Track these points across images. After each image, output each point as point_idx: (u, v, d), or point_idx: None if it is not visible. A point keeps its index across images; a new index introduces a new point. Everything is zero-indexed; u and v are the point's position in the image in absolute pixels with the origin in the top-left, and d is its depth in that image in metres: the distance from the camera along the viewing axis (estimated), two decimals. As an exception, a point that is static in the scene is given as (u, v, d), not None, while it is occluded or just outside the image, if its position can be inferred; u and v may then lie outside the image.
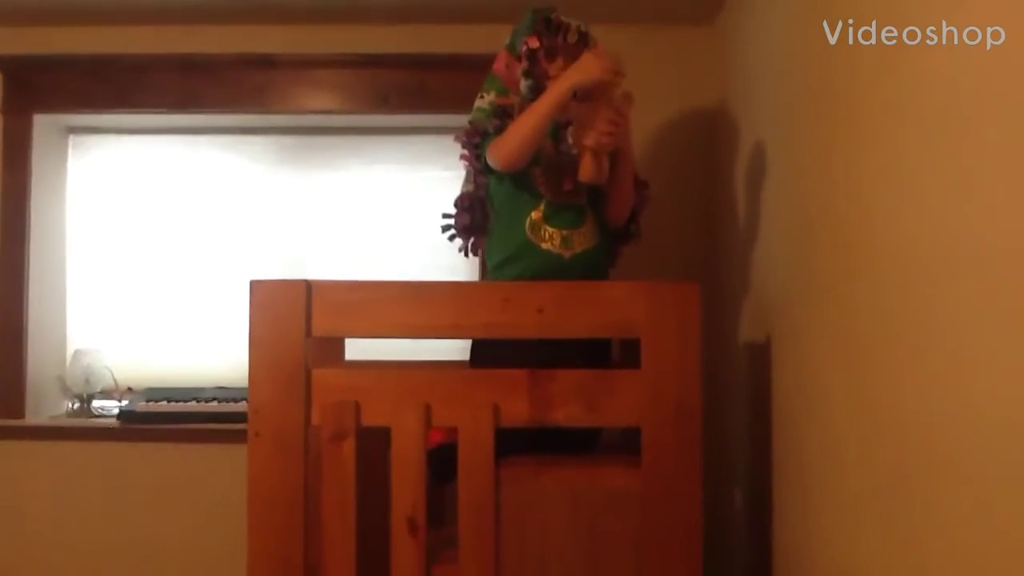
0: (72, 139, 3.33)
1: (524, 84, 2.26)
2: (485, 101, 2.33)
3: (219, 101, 3.14)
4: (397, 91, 3.13)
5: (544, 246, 2.21)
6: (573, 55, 2.18)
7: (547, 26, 2.25)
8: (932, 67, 1.35)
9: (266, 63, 3.12)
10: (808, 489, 1.94)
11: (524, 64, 2.26)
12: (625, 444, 2.20)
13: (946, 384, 1.30)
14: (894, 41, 1.49)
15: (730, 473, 2.69)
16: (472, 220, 2.35)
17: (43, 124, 3.19)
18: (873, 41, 1.58)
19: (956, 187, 1.27)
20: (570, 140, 2.17)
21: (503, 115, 2.27)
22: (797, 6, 2.08)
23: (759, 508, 2.33)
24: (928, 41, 1.36)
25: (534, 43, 2.24)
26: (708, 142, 3.03)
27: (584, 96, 2.11)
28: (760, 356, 2.33)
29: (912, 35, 1.42)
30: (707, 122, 3.03)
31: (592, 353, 2.07)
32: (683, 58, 3.08)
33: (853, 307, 1.68)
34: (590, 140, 2.09)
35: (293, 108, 3.16)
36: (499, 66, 2.34)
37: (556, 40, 2.23)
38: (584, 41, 2.23)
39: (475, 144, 2.30)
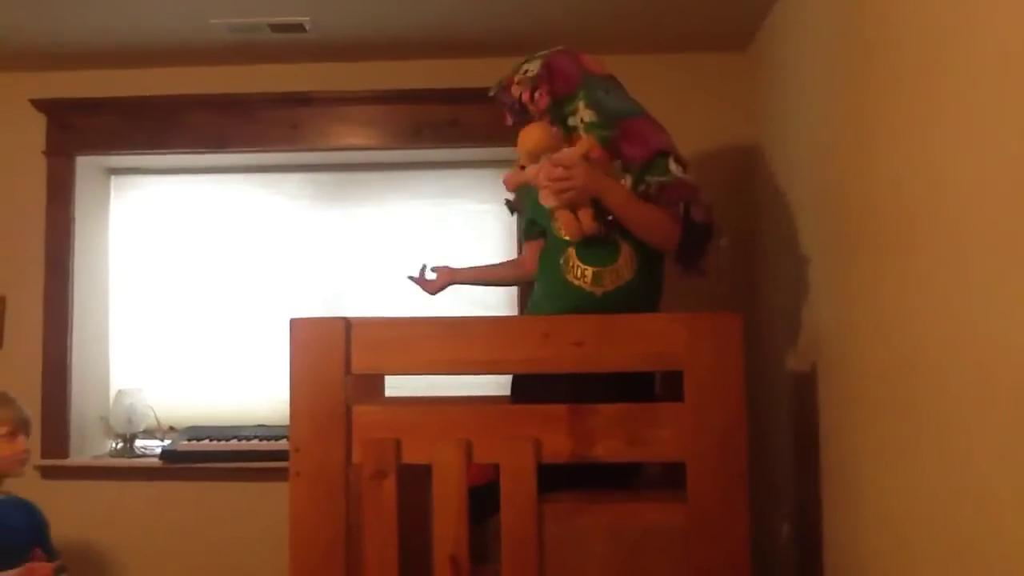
0: (113, 180, 3.39)
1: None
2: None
3: (254, 140, 3.19)
4: (430, 126, 3.15)
5: (576, 283, 2.19)
6: (533, 99, 2.23)
7: (505, 92, 2.31)
8: (973, 79, 1.33)
9: (300, 101, 3.16)
10: (859, 518, 1.90)
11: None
12: (667, 478, 2.17)
13: (997, 408, 1.26)
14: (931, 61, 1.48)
15: (776, 504, 2.64)
16: None
17: (85, 165, 3.25)
18: (909, 65, 1.56)
19: (1004, 206, 1.24)
20: (543, 203, 2.18)
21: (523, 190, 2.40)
22: (831, 31, 2.07)
23: (807, 539, 2.28)
24: (966, 58, 1.34)
25: (508, 121, 2.35)
26: (744, 169, 3.00)
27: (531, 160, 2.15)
28: (805, 385, 2.29)
29: (949, 51, 1.40)
30: (742, 149, 3.01)
31: (634, 387, 2.04)
32: (716, 85, 3.08)
33: (899, 332, 1.65)
34: (545, 201, 2.12)
35: (327, 145, 3.20)
36: None
37: (510, 100, 2.30)
38: (529, 84, 2.24)
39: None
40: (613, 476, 2.05)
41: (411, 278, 2.58)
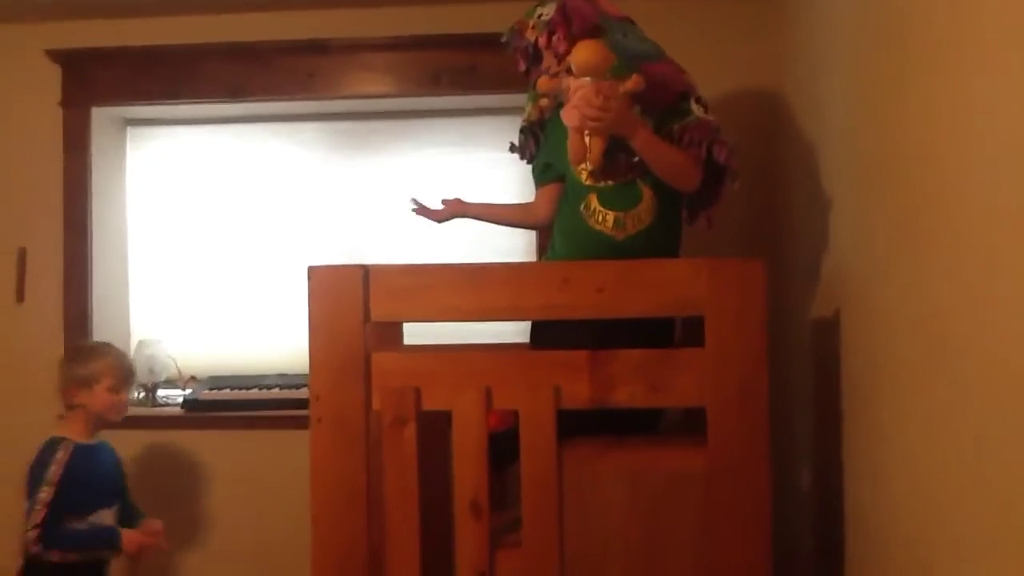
0: (130, 131, 3.38)
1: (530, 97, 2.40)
2: (524, 115, 2.45)
3: (270, 88, 3.16)
4: (448, 72, 3.11)
5: (597, 228, 2.17)
6: (551, 43, 2.20)
7: (517, 34, 2.30)
8: (1013, 18, 1.28)
9: (316, 48, 3.12)
10: (880, 465, 1.88)
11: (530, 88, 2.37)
12: (688, 424, 2.16)
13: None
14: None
15: (795, 450, 2.64)
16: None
17: (101, 116, 3.24)
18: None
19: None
20: (563, 119, 2.13)
21: (528, 134, 2.44)
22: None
23: (828, 487, 2.27)
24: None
25: (521, 66, 2.33)
26: (768, 115, 2.95)
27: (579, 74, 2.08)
28: (828, 331, 2.26)
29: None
30: (767, 95, 2.95)
31: (654, 333, 2.02)
32: (741, 30, 3.01)
33: (925, 275, 1.62)
34: (566, 117, 2.09)
35: (344, 93, 3.16)
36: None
37: (525, 44, 2.28)
38: (545, 28, 2.21)
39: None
40: (636, 422, 2.04)
41: (416, 206, 2.56)
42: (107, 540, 2.49)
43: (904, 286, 1.74)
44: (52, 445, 2.52)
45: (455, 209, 2.54)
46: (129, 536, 2.51)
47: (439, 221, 2.56)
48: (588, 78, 2.03)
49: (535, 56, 2.27)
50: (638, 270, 1.92)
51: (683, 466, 1.91)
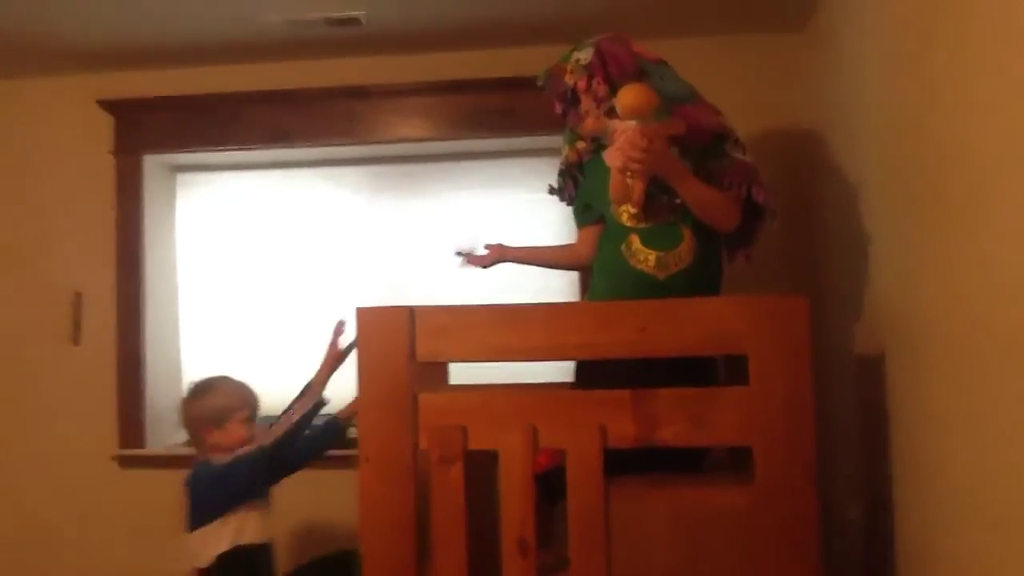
0: (179, 177, 3.47)
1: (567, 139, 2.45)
2: (562, 158, 2.49)
3: (312, 134, 3.24)
4: (485, 115, 3.16)
5: (639, 267, 2.19)
6: (590, 87, 2.24)
7: (553, 77, 2.33)
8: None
9: (356, 94, 3.20)
10: (930, 501, 1.87)
11: (567, 131, 2.44)
12: (733, 462, 2.17)
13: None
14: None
15: (844, 487, 2.62)
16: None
17: (151, 163, 3.34)
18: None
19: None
20: (606, 160, 2.15)
21: (567, 177, 2.49)
22: (892, 5, 2.03)
23: (876, 522, 2.26)
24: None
25: (557, 109, 2.36)
26: (803, 150, 2.96)
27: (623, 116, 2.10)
28: (872, 366, 2.26)
29: (1018, 16, 1.37)
30: (801, 130, 2.97)
31: (698, 372, 2.04)
32: (773, 67, 3.04)
33: (968, 310, 1.62)
34: (609, 159, 2.11)
35: (384, 137, 3.23)
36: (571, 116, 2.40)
37: (562, 87, 2.31)
38: (584, 72, 2.25)
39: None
40: (682, 460, 2.05)
41: (462, 257, 2.61)
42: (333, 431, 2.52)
43: (948, 320, 1.74)
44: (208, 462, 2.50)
45: (498, 255, 2.59)
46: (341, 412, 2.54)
47: (484, 267, 2.60)
48: (634, 121, 2.06)
49: (572, 99, 2.31)
50: (679, 308, 1.94)
51: (728, 503, 1.91)
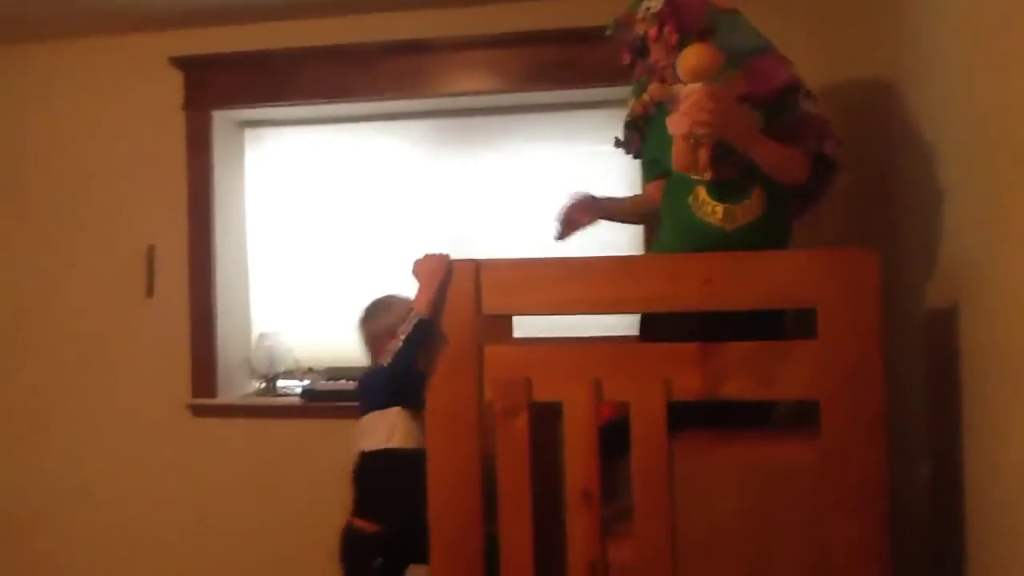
0: (247, 132, 3.52)
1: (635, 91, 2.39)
2: (628, 110, 2.44)
3: (374, 89, 3.25)
4: (549, 67, 3.13)
5: (707, 219, 2.16)
6: (661, 36, 2.17)
7: (624, 27, 2.27)
8: None
9: (418, 48, 3.19)
10: (1000, 460, 1.84)
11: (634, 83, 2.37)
12: (800, 416, 2.14)
13: None
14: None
15: (912, 444, 2.58)
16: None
17: (220, 119, 3.39)
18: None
19: None
20: (670, 127, 2.06)
21: (633, 129, 2.47)
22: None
23: (946, 480, 2.22)
24: None
25: (625, 59, 2.30)
26: (879, 103, 2.86)
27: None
28: (945, 321, 2.21)
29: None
30: (877, 83, 2.86)
31: (764, 325, 2.01)
32: (851, 18, 2.94)
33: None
34: (673, 126, 2.01)
35: (447, 91, 3.23)
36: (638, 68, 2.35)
37: (632, 38, 2.24)
38: (655, 21, 2.18)
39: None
40: (748, 414, 2.04)
41: (559, 231, 2.50)
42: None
43: (1021, 275, 1.69)
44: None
45: (591, 210, 2.49)
46: None
47: (583, 227, 2.51)
48: (698, 84, 1.97)
49: (642, 49, 2.27)
50: (747, 262, 1.91)
51: (794, 458, 1.90)
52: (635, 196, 2.65)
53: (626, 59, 2.32)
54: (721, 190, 2.14)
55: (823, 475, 1.84)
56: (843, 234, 2.72)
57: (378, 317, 2.53)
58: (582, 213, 2.47)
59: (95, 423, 3.39)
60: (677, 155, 2.04)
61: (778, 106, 2.15)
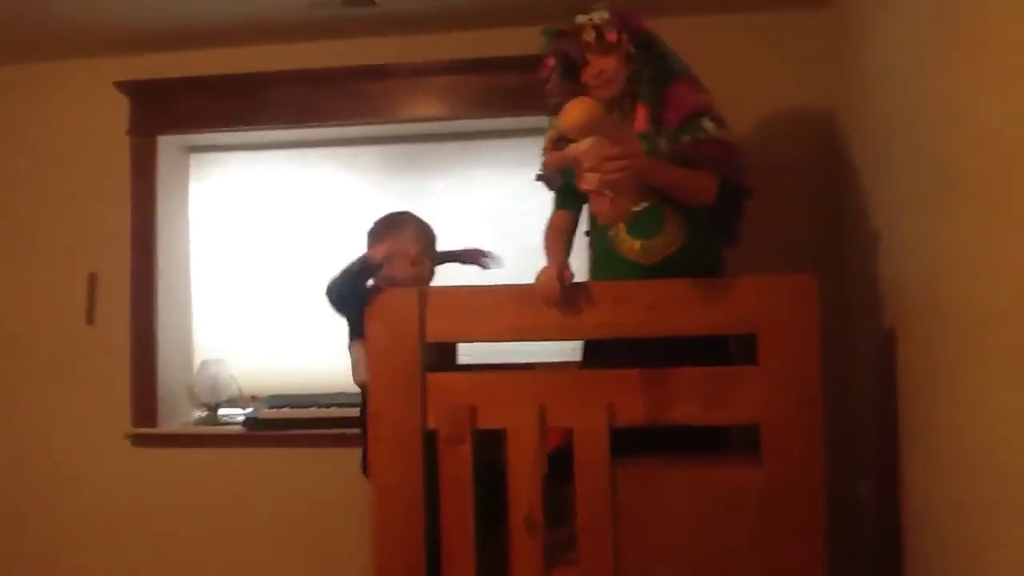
0: (192, 157, 3.48)
1: (551, 104, 2.23)
2: (544, 141, 2.31)
3: (330, 114, 3.24)
4: (503, 94, 3.14)
5: (627, 255, 2.14)
6: (602, 48, 2.12)
7: (564, 37, 2.18)
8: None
9: (371, 74, 3.19)
10: (940, 476, 1.86)
11: (548, 88, 2.24)
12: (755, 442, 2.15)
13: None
14: None
15: (857, 464, 2.61)
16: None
17: (166, 144, 3.35)
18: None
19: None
20: (581, 187, 2.00)
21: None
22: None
23: (887, 498, 2.25)
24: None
25: (548, 64, 2.21)
26: (828, 129, 2.92)
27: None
28: (888, 348, 2.24)
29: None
30: (826, 109, 2.92)
31: (708, 350, 2.02)
32: (799, 42, 2.99)
33: (983, 286, 1.61)
34: (586, 185, 1.94)
35: (402, 116, 3.23)
36: None
37: (573, 48, 2.16)
38: (601, 35, 2.12)
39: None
40: (703, 442, 2.03)
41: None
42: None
43: (960, 301, 1.73)
44: None
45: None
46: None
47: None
48: (588, 139, 1.92)
49: (567, 67, 2.19)
50: (689, 288, 1.93)
51: (738, 483, 1.91)
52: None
53: (549, 65, 2.23)
54: (638, 226, 2.11)
55: (765, 499, 1.85)
56: (790, 259, 2.75)
57: (379, 237, 2.38)
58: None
59: (31, 454, 3.29)
60: (600, 211, 1.99)
61: (681, 129, 2.12)
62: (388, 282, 2.24)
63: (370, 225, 2.43)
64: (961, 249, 1.74)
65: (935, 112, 1.91)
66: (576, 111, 1.93)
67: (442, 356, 2.25)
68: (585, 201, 2.25)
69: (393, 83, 3.19)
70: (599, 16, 2.15)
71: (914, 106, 2.08)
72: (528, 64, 3.03)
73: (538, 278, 2.05)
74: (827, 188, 2.91)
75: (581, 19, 2.17)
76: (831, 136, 2.92)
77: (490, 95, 3.15)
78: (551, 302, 1.99)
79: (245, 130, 3.29)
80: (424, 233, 2.38)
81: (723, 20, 2.95)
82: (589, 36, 2.13)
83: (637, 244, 2.12)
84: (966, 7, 1.69)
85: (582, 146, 1.92)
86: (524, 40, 3.07)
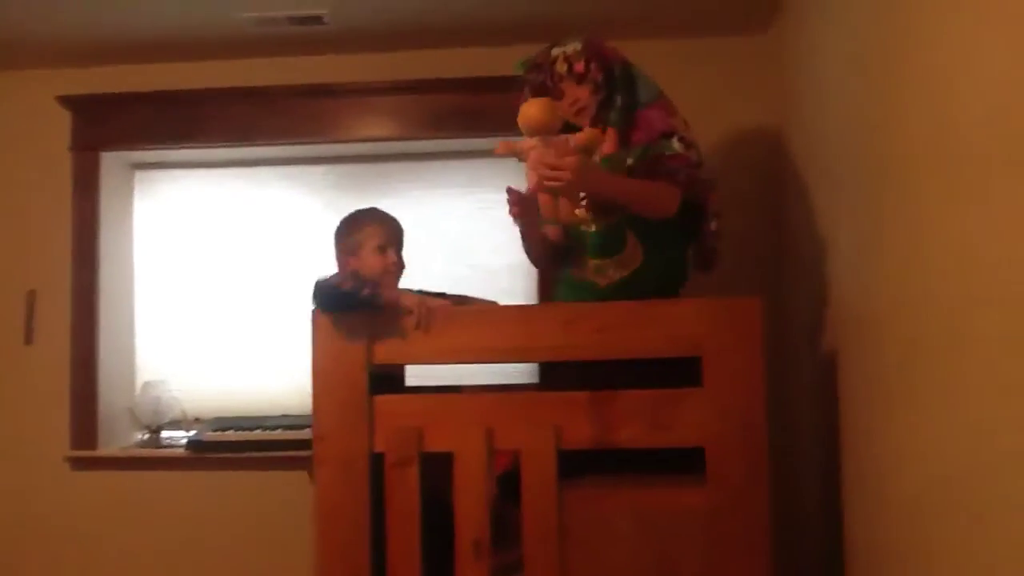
0: (137, 174, 3.42)
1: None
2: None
3: (276, 133, 3.21)
4: (452, 115, 3.15)
5: (580, 276, 2.16)
6: (575, 78, 2.16)
7: (538, 69, 2.22)
8: (996, 70, 1.31)
9: (321, 93, 3.17)
10: (879, 495, 1.89)
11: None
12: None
13: (1011, 378, 1.26)
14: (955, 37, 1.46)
15: (801, 485, 2.64)
16: None
17: (109, 160, 3.29)
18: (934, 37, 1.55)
19: (1008, 193, 1.23)
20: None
21: None
22: (857, 5, 2.04)
23: (830, 517, 2.28)
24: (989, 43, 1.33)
25: (524, 95, 2.22)
26: (770, 152, 2.98)
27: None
28: (829, 367, 2.28)
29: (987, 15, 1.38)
30: (767, 132, 2.98)
31: (668, 371, 1.98)
32: (739, 69, 3.05)
33: (916, 313, 1.64)
34: (528, 181, 2.00)
35: (350, 136, 3.21)
36: None
37: (547, 79, 2.19)
38: (580, 57, 2.16)
39: None
40: (672, 462, 2.00)
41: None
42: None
43: (898, 321, 1.76)
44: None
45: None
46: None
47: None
48: (538, 138, 1.99)
49: (546, 91, 2.20)
50: (637, 311, 1.94)
51: (685, 504, 1.92)
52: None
53: (524, 96, 2.24)
54: (595, 245, 2.14)
55: (711, 520, 1.86)
56: (740, 281, 2.77)
57: (344, 233, 2.37)
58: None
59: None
60: (542, 206, 2.02)
61: (649, 147, 2.15)
62: (354, 276, 2.20)
63: (337, 226, 2.41)
64: (894, 269, 1.77)
65: (869, 132, 1.95)
66: (531, 110, 2.01)
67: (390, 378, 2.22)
68: None
69: (341, 102, 3.18)
70: (571, 47, 2.19)
71: (849, 126, 2.13)
72: (475, 85, 3.08)
73: None
74: (770, 211, 2.96)
75: (556, 51, 2.21)
76: (773, 159, 2.97)
77: (439, 116, 3.16)
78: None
79: (190, 147, 3.25)
80: (387, 227, 2.36)
81: (664, 45, 2.99)
82: (561, 68, 2.19)
83: (593, 264, 2.15)
84: (900, 32, 1.74)
85: (526, 143, 2.01)
86: (474, 61, 3.11)
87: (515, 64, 2.31)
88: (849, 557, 2.13)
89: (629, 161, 2.13)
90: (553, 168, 1.93)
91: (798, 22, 2.64)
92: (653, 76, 2.30)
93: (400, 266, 2.34)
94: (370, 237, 2.31)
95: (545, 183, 1.95)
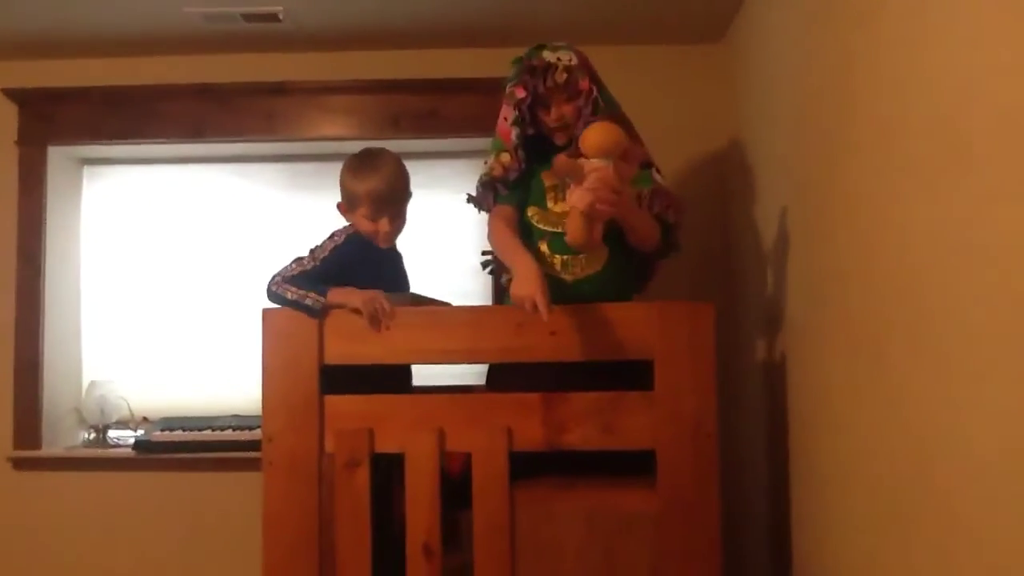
0: (86, 170, 3.36)
1: (514, 133, 2.20)
2: (486, 167, 2.29)
3: (229, 130, 3.17)
4: (408, 116, 3.14)
5: (550, 272, 2.16)
6: (567, 93, 2.14)
7: (532, 72, 2.17)
8: (955, 59, 1.33)
9: (275, 90, 3.14)
10: (825, 500, 1.92)
11: (514, 113, 2.20)
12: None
13: (952, 385, 1.29)
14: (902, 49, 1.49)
15: (750, 489, 2.67)
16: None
17: (57, 155, 3.22)
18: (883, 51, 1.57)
19: (952, 200, 1.26)
20: (567, 200, 1.96)
21: (495, 187, 2.27)
22: (806, 17, 2.07)
23: (778, 523, 2.30)
24: (934, 52, 1.35)
25: (520, 93, 2.18)
26: (720, 161, 3.01)
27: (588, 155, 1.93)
28: (775, 373, 2.31)
29: (929, 29, 1.41)
30: (718, 141, 3.02)
31: (623, 374, 1.99)
32: (691, 77, 3.08)
33: (860, 324, 1.67)
34: (575, 200, 1.89)
35: (304, 135, 3.18)
36: (499, 123, 2.27)
37: (544, 86, 2.15)
38: (572, 79, 2.14)
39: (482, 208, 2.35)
40: (630, 465, 2.01)
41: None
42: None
43: (841, 333, 1.79)
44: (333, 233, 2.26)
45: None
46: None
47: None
48: (604, 161, 1.89)
49: (532, 103, 2.19)
50: (589, 314, 1.94)
51: (636, 507, 1.92)
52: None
53: (520, 95, 2.20)
54: (561, 243, 2.12)
55: (661, 523, 1.87)
56: (689, 289, 2.80)
57: (349, 179, 2.25)
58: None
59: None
60: (572, 230, 1.92)
61: (636, 179, 2.12)
62: (352, 234, 2.20)
63: (349, 161, 2.30)
64: (841, 274, 1.80)
65: (817, 138, 1.98)
66: (603, 132, 1.91)
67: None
68: (526, 202, 2.24)
69: (295, 100, 3.15)
70: (567, 57, 2.16)
71: (797, 134, 2.16)
72: (435, 87, 3.07)
73: (515, 282, 1.95)
74: (719, 218, 2.99)
75: (550, 57, 2.16)
76: (723, 168, 3.00)
77: (396, 117, 3.14)
78: (540, 304, 1.85)
79: (139, 143, 3.20)
80: (384, 190, 2.19)
81: (614, 52, 2.98)
82: (560, 78, 2.14)
83: (558, 260, 2.16)
84: (849, 45, 1.76)
85: (594, 164, 1.89)
86: (430, 63, 3.10)
87: (513, 61, 2.24)
88: (797, 564, 2.16)
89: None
90: (615, 191, 1.86)
91: (749, 32, 2.68)
92: (606, 82, 2.30)
93: (394, 231, 2.23)
94: (364, 201, 2.19)
95: (599, 206, 1.86)
